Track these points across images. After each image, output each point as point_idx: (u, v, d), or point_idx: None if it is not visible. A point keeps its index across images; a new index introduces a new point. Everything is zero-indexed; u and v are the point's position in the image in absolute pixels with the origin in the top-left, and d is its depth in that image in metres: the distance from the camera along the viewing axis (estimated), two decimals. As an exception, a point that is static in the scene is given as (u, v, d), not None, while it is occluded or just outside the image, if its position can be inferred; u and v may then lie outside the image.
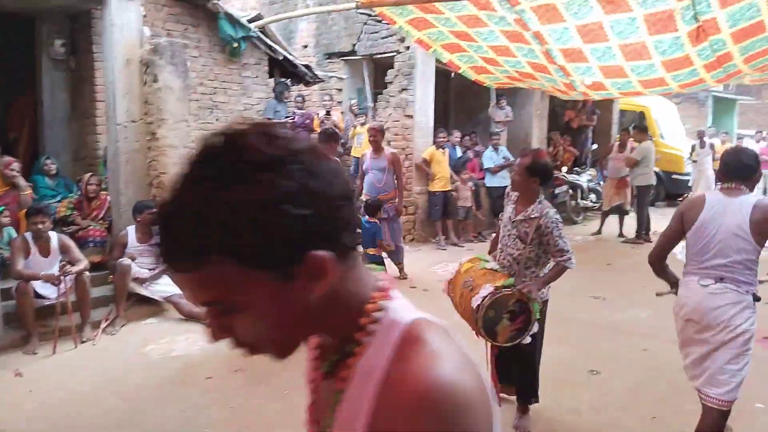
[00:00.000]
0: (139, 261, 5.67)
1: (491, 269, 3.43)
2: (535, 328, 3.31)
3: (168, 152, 6.17)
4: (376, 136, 7.09)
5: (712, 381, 2.97)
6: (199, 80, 7.99)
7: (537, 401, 3.69)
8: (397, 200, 7.11)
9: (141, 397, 3.90)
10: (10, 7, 6.38)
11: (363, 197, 7.01)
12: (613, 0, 4.17)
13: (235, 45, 8.23)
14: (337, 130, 7.42)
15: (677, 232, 3.16)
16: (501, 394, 3.77)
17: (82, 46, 7.38)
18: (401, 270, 7.27)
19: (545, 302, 3.52)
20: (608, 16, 4.41)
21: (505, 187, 9.11)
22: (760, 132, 15.38)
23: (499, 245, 3.63)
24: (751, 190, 3.06)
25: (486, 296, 3.11)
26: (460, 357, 0.78)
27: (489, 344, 3.44)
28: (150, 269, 5.71)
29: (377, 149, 7.13)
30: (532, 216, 3.39)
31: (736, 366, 2.92)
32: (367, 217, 6.60)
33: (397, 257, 7.23)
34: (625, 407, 3.99)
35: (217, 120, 8.34)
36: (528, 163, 3.40)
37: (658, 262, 3.25)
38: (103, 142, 6.96)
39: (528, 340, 3.30)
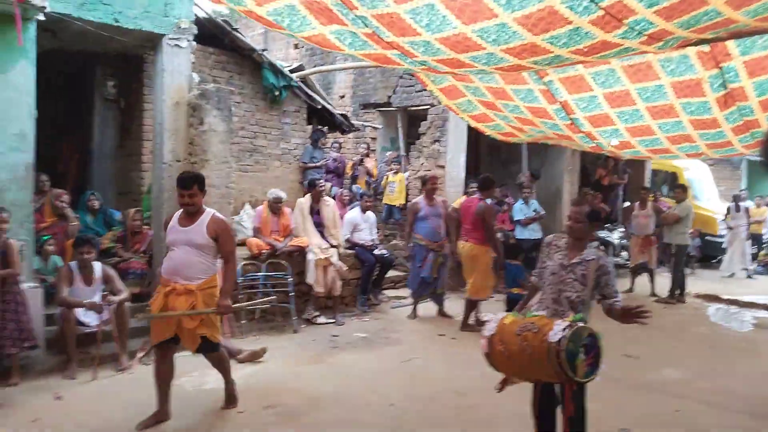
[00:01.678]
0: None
1: (543, 315, 3.45)
2: (604, 366, 3.31)
3: (209, 191, 6.37)
4: (436, 184, 7.61)
5: None
6: (240, 124, 8.30)
7: None
8: (448, 246, 7.49)
9: (172, 427, 3.95)
10: (69, 48, 6.79)
11: (421, 241, 7.35)
12: (640, 69, 4.28)
13: (277, 93, 8.56)
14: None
15: None
16: None
17: (133, 87, 7.77)
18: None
19: None
20: (635, 84, 4.52)
21: (535, 239, 9.23)
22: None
23: (545, 294, 3.67)
24: None
25: (565, 328, 3.14)
26: None
27: (535, 397, 3.42)
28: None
29: (432, 198, 7.50)
30: (589, 258, 3.53)
31: None
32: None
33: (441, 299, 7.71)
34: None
35: (256, 162, 8.60)
36: (588, 211, 3.60)
37: None
38: (147, 179, 7.23)
39: (599, 378, 3.29)
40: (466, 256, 7.12)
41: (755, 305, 9.25)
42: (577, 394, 3.50)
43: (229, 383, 4.43)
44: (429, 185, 7.54)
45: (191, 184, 3.98)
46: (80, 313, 5.14)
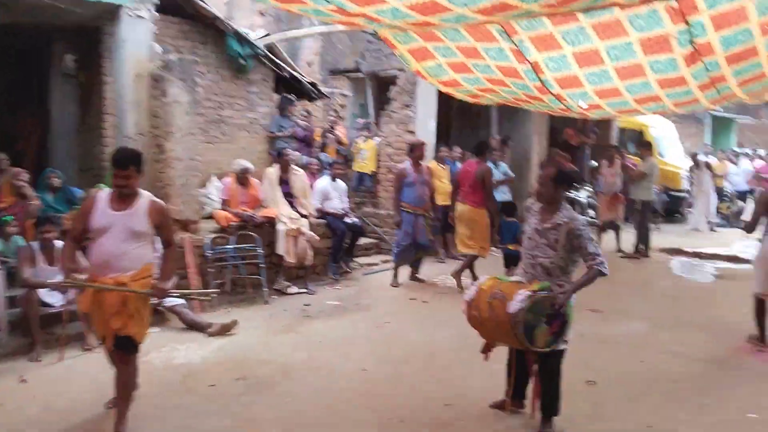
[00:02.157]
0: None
1: (517, 281, 3.51)
2: (571, 334, 3.39)
3: (174, 164, 6.32)
4: (423, 151, 7.64)
5: None
6: (206, 95, 8.15)
7: (559, 414, 3.75)
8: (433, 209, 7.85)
9: (143, 404, 3.92)
10: (23, 23, 6.56)
11: (407, 208, 7.43)
12: (609, 26, 4.30)
13: (243, 62, 8.41)
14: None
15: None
16: (512, 408, 3.89)
17: (92, 61, 7.55)
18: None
19: None
20: (604, 42, 4.54)
21: (505, 202, 9.38)
22: (755, 151, 15.53)
23: (523, 259, 3.72)
24: None
25: (525, 299, 3.18)
26: None
27: (511, 358, 3.51)
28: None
29: (419, 164, 7.55)
30: (560, 222, 3.52)
31: None
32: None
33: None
34: (621, 417, 4.06)
35: (222, 133, 8.49)
36: (554, 173, 3.59)
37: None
38: (110, 155, 7.09)
39: (563, 345, 3.35)
40: (467, 217, 7.28)
41: (717, 257, 9.56)
42: (550, 359, 3.55)
43: (121, 413, 3.63)
44: (417, 152, 7.55)
45: (128, 163, 3.52)
46: (44, 294, 5.06)
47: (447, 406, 4.13)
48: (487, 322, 3.40)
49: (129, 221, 3.52)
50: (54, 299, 5.15)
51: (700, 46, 4.30)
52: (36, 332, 4.91)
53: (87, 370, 4.67)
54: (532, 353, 3.49)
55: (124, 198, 3.56)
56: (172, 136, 6.30)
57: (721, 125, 21.54)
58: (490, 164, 9.99)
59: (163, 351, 5.03)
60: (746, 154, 15.77)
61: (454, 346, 5.23)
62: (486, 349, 3.72)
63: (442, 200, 8.83)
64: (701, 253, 9.80)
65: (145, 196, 3.63)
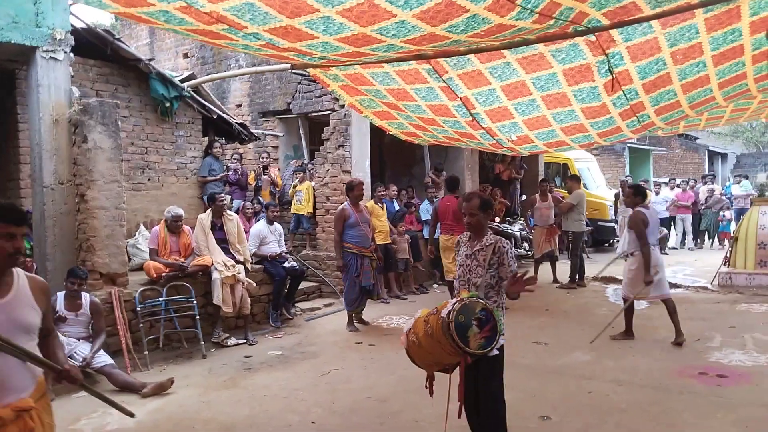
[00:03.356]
0: (67, 330, 5.32)
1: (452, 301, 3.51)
2: (502, 340, 3.43)
3: (98, 214, 5.94)
4: (362, 191, 7.56)
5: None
6: (130, 140, 7.80)
7: None
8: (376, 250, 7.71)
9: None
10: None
11: (353, 250, 7.28)
12: (533, 60, 4.44)
13: (168, 104, 8.12)
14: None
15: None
16: None
17: (5, 106, 7.10)
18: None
19: (501, 347, 3.56)
20: (530, 75, 4.70)
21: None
22: (674, 179, 16.41)
23: (456, 286, 3.83)
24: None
25: (455, 303, 3.27)
26: None
27: (460, 381, 3.42)
28: (77, 338, 5.39)
29: (358, 203, 7.45)
30: (488, 243, 3.72)
31: None
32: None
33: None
34: (578, 452, 4.00)
35: (149, 180, 8.12)
36: (479, 203, 3.76)
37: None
38: (28, 206, 6.61)
39: (495, 352, 3.34)
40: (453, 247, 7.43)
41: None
42: (491, 378, 3.59)
43: None
44: (356, 191, 7.41)
45: (22, 220, 2.45)
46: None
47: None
48: (424, 340, 3.40)
49: (16, 311, 2.41)
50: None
51: (619, 74, 4.51)
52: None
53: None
54: (464, 361, 3.43)
55: None
56: (94, 184, 5.93)
57: (638, 156, 22.81)
58: (426, 202, 10.16)
59: (93, 417, 4.59)
60: (666, 183, 16.65)
61: (404, 389, 5.06)
62: (428, 381, 3.64)
63: (381, 239, 8.76)
64: (632, 279, 10.10)
65: (17, 271, 2.49)
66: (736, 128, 30.13)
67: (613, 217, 14.19)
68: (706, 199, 15.04)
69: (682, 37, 4.00)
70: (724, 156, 30.74)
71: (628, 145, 21.29)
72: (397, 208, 10.05)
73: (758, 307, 8.13)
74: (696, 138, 27.19)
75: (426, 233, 10.06)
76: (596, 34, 3.86)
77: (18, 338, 2.36)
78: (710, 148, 28.40)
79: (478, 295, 3.45)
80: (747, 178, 17.62)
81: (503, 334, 3.47)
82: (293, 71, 10.01)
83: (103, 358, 5.35)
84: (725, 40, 4.02)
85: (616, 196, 13.74)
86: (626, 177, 15.50)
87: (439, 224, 8.35)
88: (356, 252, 7.28)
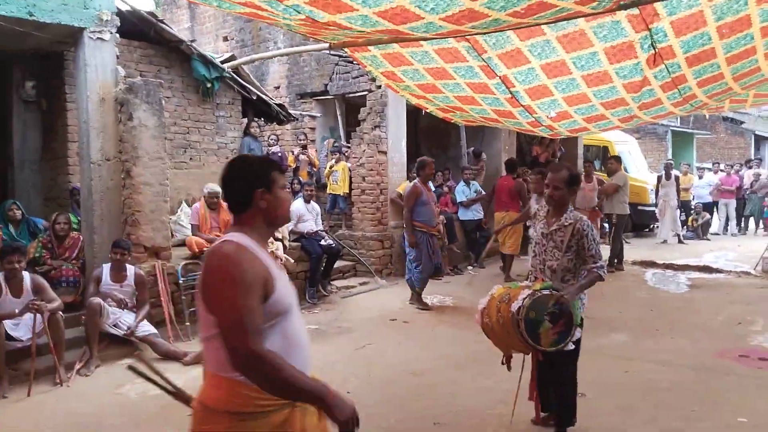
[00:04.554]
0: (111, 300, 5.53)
1: (526, 285, 3.46)
2: (578, 333, 3.31)
3: (143, 189, 6.12)
4: (433, 169, 7.72)
5: None
6: (172, 120, 7.99)
7: (574, 424, 3.70)
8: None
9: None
10: (-20, 49, 6.35)
11: (422, 228, 7.26)
12: (574, 38, 4.36)
13: (209, 85, 8.28)
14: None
15: None
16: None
17: (54, 86, 7.35)
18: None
19: (581, 320, 3.51)
20: (569, 54, 4.61)
21: (477, 219, 9.54)
22: (717, 164, 15.96)
23: (532, 265, 3.70)
24: None
25: (525, 297, 3.14)
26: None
27: (533, 370, 3.44)
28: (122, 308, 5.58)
29: (427, 183, 7.51)
30: (567, 223, 3.50)
31: None
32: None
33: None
34: (615, 428, 3.99)
35: (191, 159, 8.31)
36: (567, 177, 3.54)
37: None
38: (76, 182, 6.86)
39: (571, 346, 3.28)
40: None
41: (689, 267, 9.70)
42: (561, 366, 3.52)
43: None
44: (428, 170, 7.37)
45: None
46: (10, 328, 4.80)
47: (437, 425, 4.00)
48: (497, 327, 3.35)
49: None
50: (20, 333, 4.89)
51: (662, 50, 4.40)
52: (1, 368, 4.64)
53: (57, 406, 4.41)
54: (540, 356, 3.41)
55: None
56: (139, 160, 6.10)
57: (681, 140, 22.18)
58: (462, 183, 10.11)
59: (137, 383, 4.77)
60: (709, 168, 16.18)
61: (438, 366, 5.11)
62: (505, 359, 3.62)
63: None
64: (673, 264, 9.93)
65: None
66: (786, 112, 28.99)
67: (654, 201, 13.87)
68: (751, 183, 14.55)
69: (729, 9, 3.86)
70: (772, 140, 29.65)
71: (671, 128, 20.71)
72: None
73: (804, 292, 7.91)
74: (742, 122, 26.24)
75: (461, 215, 10.05)
76: (640, 7, 3.77)
77: None
78: (757, 132, 27.38)
79: (553, 286, 3.30)
80: (796, 162, 17.00)
81: (580, 326, 3.35)
82: (331, 52, 10.08)
83: (147, 328, 5.55)
84: (778, 10, 3.88)
85: (659, 179, 13.40)
86: (668, 161, 15.11)
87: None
88: (425, 230, 7.29)
